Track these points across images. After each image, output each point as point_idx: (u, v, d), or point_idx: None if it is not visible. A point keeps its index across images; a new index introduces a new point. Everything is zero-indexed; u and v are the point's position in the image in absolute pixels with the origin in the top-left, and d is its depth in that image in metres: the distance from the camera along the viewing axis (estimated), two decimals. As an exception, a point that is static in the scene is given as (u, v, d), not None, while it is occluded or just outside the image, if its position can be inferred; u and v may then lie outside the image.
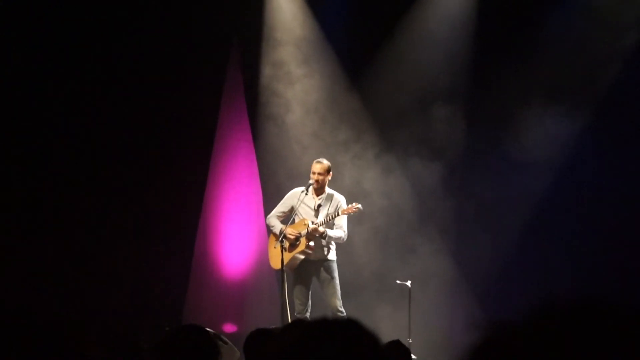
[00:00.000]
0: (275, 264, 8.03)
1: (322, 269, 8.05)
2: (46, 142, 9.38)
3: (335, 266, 8.10)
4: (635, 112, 9.15)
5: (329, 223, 8.01)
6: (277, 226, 8.09)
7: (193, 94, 9.60)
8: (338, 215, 7.98)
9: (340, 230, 8.04)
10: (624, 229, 9.09)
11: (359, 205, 7.95)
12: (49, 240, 9.24)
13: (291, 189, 8.30)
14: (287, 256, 7.95)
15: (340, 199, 8.13)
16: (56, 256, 9.21)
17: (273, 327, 5.28)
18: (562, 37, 9.26)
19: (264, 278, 9.57)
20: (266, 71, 9.78)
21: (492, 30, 9.38)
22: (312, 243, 7.97)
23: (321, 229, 7.92)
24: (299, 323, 4.49)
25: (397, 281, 8.49)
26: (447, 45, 9.56)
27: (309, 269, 8.05)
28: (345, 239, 8.13)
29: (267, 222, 8.25)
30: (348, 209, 7.95)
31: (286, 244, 7.96)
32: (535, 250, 9.36)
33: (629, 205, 9.13)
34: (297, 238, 7.96)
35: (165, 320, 8.88)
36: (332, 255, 8.12)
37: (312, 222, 7.97)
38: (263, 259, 8.98)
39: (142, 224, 9.46)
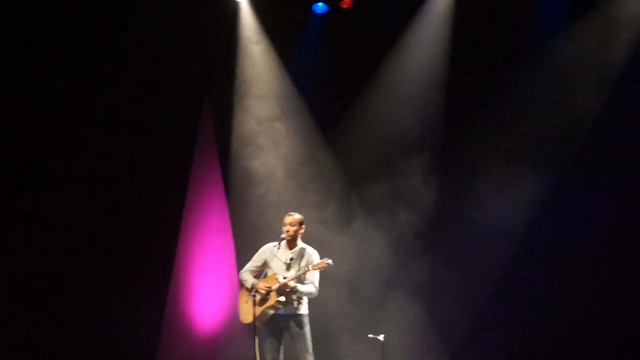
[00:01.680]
0: (246, 318, 8.02)
1: (293, 323, 8.05)
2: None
3: (306, 321, 8.09)
4: (601, 173, 9.30)
5: (300, 277, 8.03)
6: (249, 280, 8.10)
7: (165, 149, 9.68)
8: (308, 270, 8.02)
9: (311, 285, 8.06)
10: (593, 281, 9.22)
11: (329, 261, 7.97)
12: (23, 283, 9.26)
13: (263, 243, 8.33)
14: (257, 310, 7.95)
15: (312, 253, 8.17)
16: (29, 304, 9.21)
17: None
18: (530, 96, 9.46)
19: (235, 332, 9.56)
20: (240, 125, 9.87)
21: (463, 88, 9.55)
22: (282, 298, 7.98)
23: (291, 283, 7.93)
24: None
25: (370, 335, 8.48)
26: (417, 102, 9.73)
27: (280, 324, 8.05)
28: (316, 294, 8.14)
29: (240, 277, 8.24)
30: (318, 264, 7.97)
31: (257, 298, 7.97)
32: (507, 304, 9.43)
33: (594, 261, 9.26)
34: (268, 292, 7.98)
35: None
36: (304, 310, 8.12)
37: (283, 277, 8.00)
38: (235, 313, 8.98)
39: (115, 277, 9.46)
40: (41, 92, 9.48)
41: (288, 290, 7.95)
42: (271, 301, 7.97)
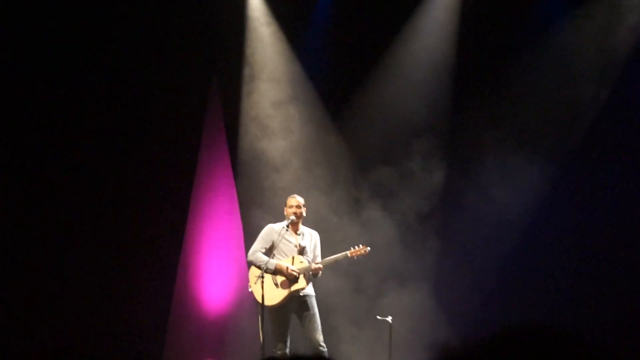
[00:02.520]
0: (269, 300, 7.96)
1: (303, 304, 8.10)
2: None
3: (315, 301, 8.16)
4: (605, 161, 9.34)
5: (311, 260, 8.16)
6: (269, 261, 8.06)
7: (173, 131, 9.64)
8: (347, 255, 8.14)
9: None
10: (597, 266, 9.32)
11: (368, 248, 8.18)
12: (29, 275, 9.21)
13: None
14: (283, 293, 8.00)
15: (316, 235, 8.28)
16: (37, 293, 9.17)
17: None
18: (536, 84, 9.47)
19: (244, 314, 9.57)
20: (247, 108, 9.83)
21: (470, 74, 9.56)
22: (307, 279, 8.10)
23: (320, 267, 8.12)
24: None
25: (378, 317, 8.53)
26: (425, 86, 9.73)
27: (289, 305, 8.09)
28: None
29: (253, 257, 8.09)
30: (357, 251, 8.12)
31: (279, 280, 8.02)
32: (514, 284, 9.48)
33: (598, 248, 9.35)
34: (298, 275, 8.04)
35: (146, 357, 8.83)
36: (312, 290, 8.20)
37: (315, 263, 8.10)
38: (243, 295, 9.00)
39: (123, 260, 9.44)
40: (44, 72, 9.41)
41: (312, 274, 8.07)
42: (301, 284, 8.04)
